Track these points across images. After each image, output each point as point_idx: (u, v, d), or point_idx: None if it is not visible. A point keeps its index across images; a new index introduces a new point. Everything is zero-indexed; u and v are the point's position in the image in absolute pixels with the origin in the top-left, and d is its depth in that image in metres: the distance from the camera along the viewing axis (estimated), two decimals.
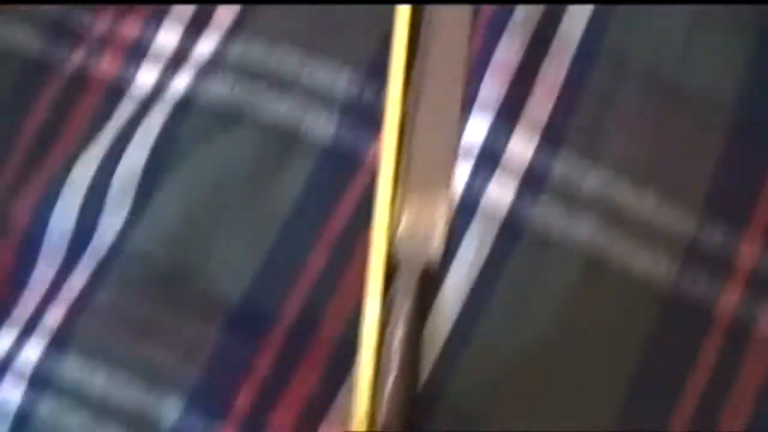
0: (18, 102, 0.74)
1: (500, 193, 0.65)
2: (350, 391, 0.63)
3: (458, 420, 0.62)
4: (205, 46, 0.73)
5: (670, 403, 0.61)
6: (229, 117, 0.69)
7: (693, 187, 0.65)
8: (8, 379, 0.67)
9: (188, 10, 0.74)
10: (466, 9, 0.70)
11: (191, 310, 0.66)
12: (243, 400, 0.64)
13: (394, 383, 0.61)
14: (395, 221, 0.66)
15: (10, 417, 0.66)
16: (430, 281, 0.64)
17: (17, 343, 0.68)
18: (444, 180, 0.66)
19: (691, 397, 0.62)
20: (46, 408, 0.65)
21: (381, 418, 0.61)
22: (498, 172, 0.65)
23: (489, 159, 0.65)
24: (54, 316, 0.68)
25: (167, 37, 0.74)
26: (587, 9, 0.69)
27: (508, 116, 0.66)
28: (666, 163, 0.65)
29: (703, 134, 0.66)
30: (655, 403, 0.61)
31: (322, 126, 0.68)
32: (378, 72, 0.69)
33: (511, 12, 0.69)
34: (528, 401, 0.62)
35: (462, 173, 0.66)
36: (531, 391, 0.62)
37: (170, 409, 0.64)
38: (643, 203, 0.64)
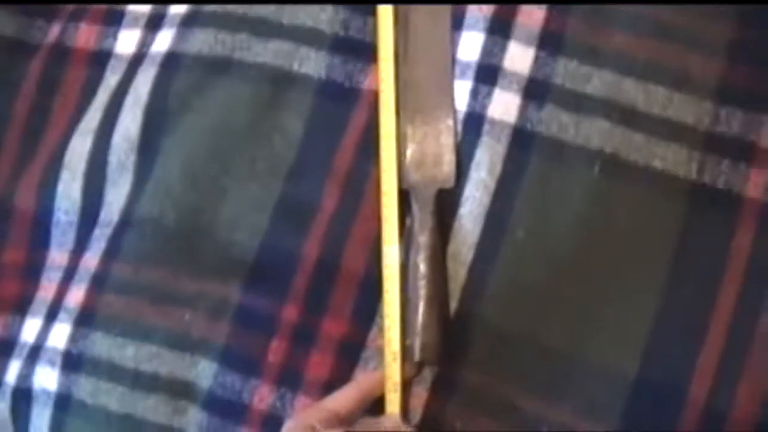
0: (5, 85, 0.73)
1: (504, 106, 0.63)
2: (381, 329, 0.62)
3: (494, 342, 0.61)
4: (181, 6, 0.71)
5: (708, 297, 0.60)
6: (216, 67, 0.68)
7: (704, 76, 0.62)
8: (42, 365, 0.67)
9: None
10: None
11: (210, 270, 0.65)
12: (276, 353, 0.63)
13: (425, 313, 0.60)
14: (402, 151, 0.64)
15: (51, 402, 0.66)
16: (447, 204, 0.63)
17: (44, 329, 0.68)
18: (444, 102, 0.64)
19: (730, 287, 0.60)
20: (84, 388, 0.65)
21: (417, 351, 0.60)
22: (499, 86, 0.63)
23: (488, 74, 0.64)
24: (75, 297, 0.67)
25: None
26: None
27: (500, 29, 0.64)
28: (672, 55, 0.63)
29: (713, 20, 0.63)
30: (693, 300, 0.60)
31: (313, 63, 0.66)
32: (360, 6, 0.67)
33: None
34: (562, 315, 0.61)
35: (462, 91, 0.64)
36: (564, 304, 0.61)
37: (205, 372, 0.64)
38: (653, 98, 0.62)
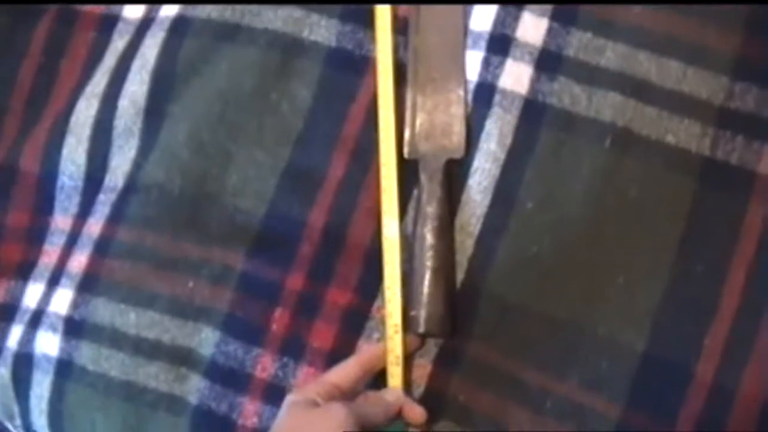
0: (11, 48, 0.72)
1: (516, 77, 0.62)
2: (386, 300, 0.61)
3: (500, 315, 0.60)
4: None
5: (719, 275, 0.59)
6: (225, 33, 0.67)
7: (720, 50, 0.61)
8: (44, 330, 0.67)
9: None
10: None
11: (214, 237, 0.65)
12: (279, 322, 0.63)
13: (431, 284, 0.60)
14: (412, 120, 0.64)
15: (52, 367, 0.66)
16: (455, 175, 0.62)
17: (46, 295, 0.68)
18: (455, 72, 0.63)
19: (741, 265, 0.59)
20: (85, 354, 0.65)
21: (422, 323, 0.60)
22: (511, 56, 0.62)
23: (500, 44, 0.63)
24: (78, 263, 0.67)
25: None
26: None
27: None
28: (688, 29, 0.62)
29: None
30: (703, 277, 0.59)
31: (323, 30, 0.66)
32: None
33: None
34: (569, 288, 0.60)
35: (474, 61, 0.63)
36: (572, 277, 0.60)
37: (207, 339, 0.63)
38: (667, 72, 0.61)
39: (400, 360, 0.60)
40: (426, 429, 0.60)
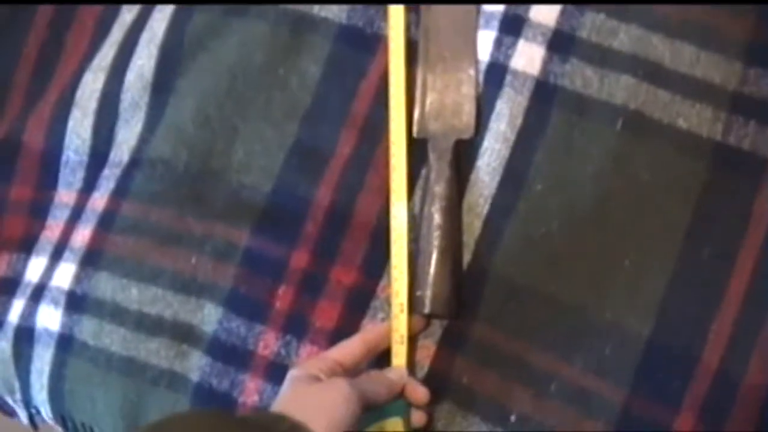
0: (17, 20, 0.71)
1: (528, 58, 0.62)
2: (390, 279, 0.61)
3: (506, 297, 0.60)
4: None
5: (727, 261, 0.59)
6: (234, 8, 0.66)
7: (734, 35, 0.61)
8: (46, 304, 0.66)
9: None
10: None
11: (219, 213, 0.64)
12: (283, 299, 0.62)
13: (437, 265, 0.59)
14: (422, 99, 0.63)
15: (53, 342, 0.65)
16: (465, 155, 0.62)
17: (49, 269, 0.67)
18: (467, 51, 0.63)
19: (749, 252, 0.59)
20: (86, 329, 0.65)
21: (427, 302, 0.59)
22: (523, 37, 0.62)
23: (513, 25, 0.62)
24: (82, 237, 0.66)
25: None
26: None
27: None
28: (702, 12, 0.61)
29: None
30: (711, 263, 0.59)
31: (334, 7, 0.65)
32: None
33: None
34: (577, 271, 0.60)
35: (486, 41, 0.63)
36: (579, 260, 0.60)
37: (209, 316, 0.63)
38: (680, 56, 0.61)
39: (405, 339, 0.60)
40: (428, 410, 0.60)
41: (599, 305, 0.59)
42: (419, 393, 0.59)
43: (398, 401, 0.59)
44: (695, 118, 0.60)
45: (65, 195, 0.69)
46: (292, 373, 0.56)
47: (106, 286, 0.65)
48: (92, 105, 0.68)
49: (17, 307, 0.67)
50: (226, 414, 0.56)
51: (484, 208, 0.61)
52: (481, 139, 0.61)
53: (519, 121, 0.61)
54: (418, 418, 0.59)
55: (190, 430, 0.49)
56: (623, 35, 0.61)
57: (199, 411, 0.61)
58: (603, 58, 0.61)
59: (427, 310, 0.59)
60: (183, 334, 0.63)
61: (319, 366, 0.56)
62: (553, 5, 0.62)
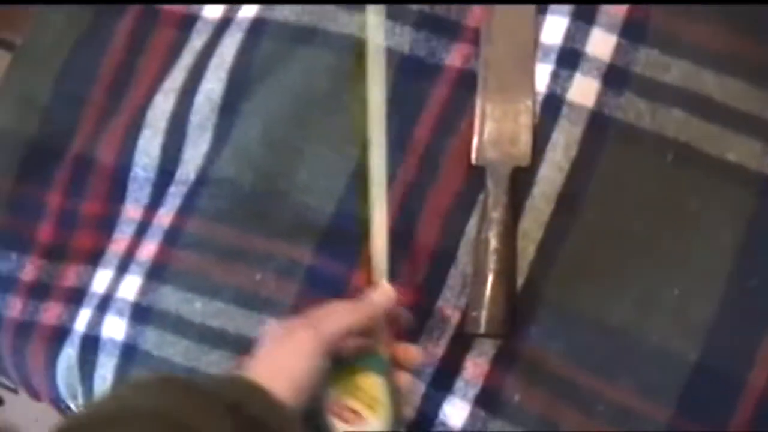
0: (95, 43, 0.75)
1: (584, 91, 0.64)
2: (449, 301, 0.63)
3: (557, 319, 0.62)
4: None
5: None
6: (302, 36, 0.69)
7: None
8: (111, 314, 0.69)
9: None
10: None
11: (282, 232, 0.66)
12: None
13: (493, 287, 0.62)
14: (481, 128, 0.65)
15: (118, 351, 0.68)
16: (521, 182, 0.64)
17: (115, 280, 0.70)
18: (525, 83, 0.65)
19: None
20: (150, 339, 0.67)
21: (483, 323, 0.61)
22: (579, 70, 0.64)
23: (570, 59, 0.65)
24: (148, 251, 0.69)
25: None
26: None
27: (585, 15, 0.65)
28: (750, 49, 0.63)
29: None
30: (758, 291, 0.61)
31: (397, 37, 0.67)
32: None
33: None
34: (626, 296, 0.62)
35: (543, 74, 0.65)
36: (629, 286, 0.62)
37: None
38: (729, 91, 0.63)
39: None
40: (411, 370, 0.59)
41: (647, 329, 0.61)
42: (410, 353, 0.59)
43: (376, 355, 0.56)
44: (744, 152, 0.62)
45: (133, 210, 0.71)
46: (265, 328, 0.57)
47: (170, 298, 0.67)
48: (162, 125, 0.71)
49: (84, 316, 0.70)
50: (175, 378, 0.54)
51: (538, 233, 0.63)
52: (537, 167, 0.64)
53: (573, 151, 0.63)
54: (405, 380, 0.58)
55: (140, 392, 0.49)
56: (675, 70, 0.63)
57: (149, 375, 0.62)
58: (655, 91, 0.63)
59: (482, 330, 0.62)
60: (244, 347, 0.65)
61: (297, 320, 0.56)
62: (608, 38, 0.64)
